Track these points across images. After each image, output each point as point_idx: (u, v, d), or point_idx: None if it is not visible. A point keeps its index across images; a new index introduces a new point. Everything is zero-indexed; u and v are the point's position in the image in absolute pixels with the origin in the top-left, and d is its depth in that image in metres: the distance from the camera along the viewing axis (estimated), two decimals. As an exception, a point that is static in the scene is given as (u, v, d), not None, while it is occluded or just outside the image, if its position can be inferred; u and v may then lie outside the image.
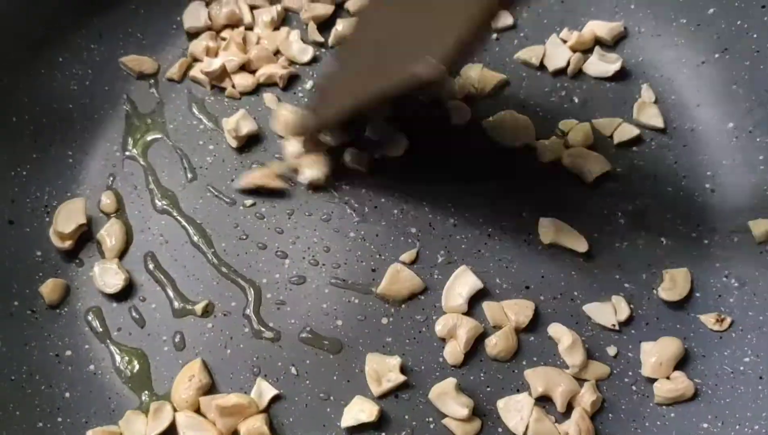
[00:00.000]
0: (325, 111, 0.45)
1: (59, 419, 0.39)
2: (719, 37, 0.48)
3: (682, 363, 0.41)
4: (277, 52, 0.52)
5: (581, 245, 0.44)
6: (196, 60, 0.51)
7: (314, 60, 0.51)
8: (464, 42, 0.35)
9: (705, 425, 0.39)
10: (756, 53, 0.46)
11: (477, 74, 0.50)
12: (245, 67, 0.51)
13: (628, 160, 0.48)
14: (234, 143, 0.48)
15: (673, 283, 0.43)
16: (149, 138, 0.49)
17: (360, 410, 0.40)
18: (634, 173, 0.47)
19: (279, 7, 0.53)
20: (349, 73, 0.44)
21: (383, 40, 0.41)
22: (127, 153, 0.48)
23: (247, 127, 0.48)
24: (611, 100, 0.50)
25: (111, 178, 0.47)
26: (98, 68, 0.50)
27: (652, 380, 0.41)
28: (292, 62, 0.51)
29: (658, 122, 0.48)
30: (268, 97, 0.50)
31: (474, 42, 0.36)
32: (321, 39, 0.52)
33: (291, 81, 0.51)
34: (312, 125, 0.47)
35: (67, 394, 0.41)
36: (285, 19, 0.53)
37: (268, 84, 0.51)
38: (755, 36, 0.46)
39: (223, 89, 0.50)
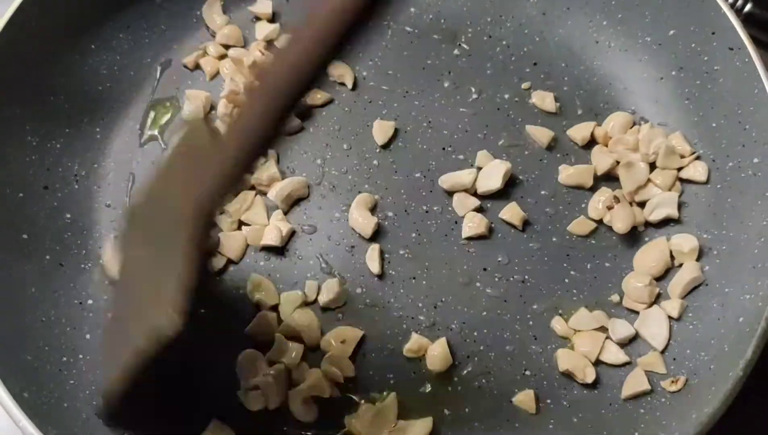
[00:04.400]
0: None
1: (80, 356, 0.46)
2: (676, 57, 0.54)
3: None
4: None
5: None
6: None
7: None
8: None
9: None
10: (705, 74, 0.52)
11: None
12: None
13: (586, 161, 0.54)
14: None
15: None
16: (167, 119, 0.56)
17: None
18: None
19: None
20: None
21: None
22: (147, 132, 0.55)
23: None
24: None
25: (131, 154, 0.54)
26: (125, 55, 0.56)
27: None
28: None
29: None
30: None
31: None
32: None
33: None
34: None
35: (88, 336, 0.47)
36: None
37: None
38: (706, 58, 0.52)
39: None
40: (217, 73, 0.57)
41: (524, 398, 0.46)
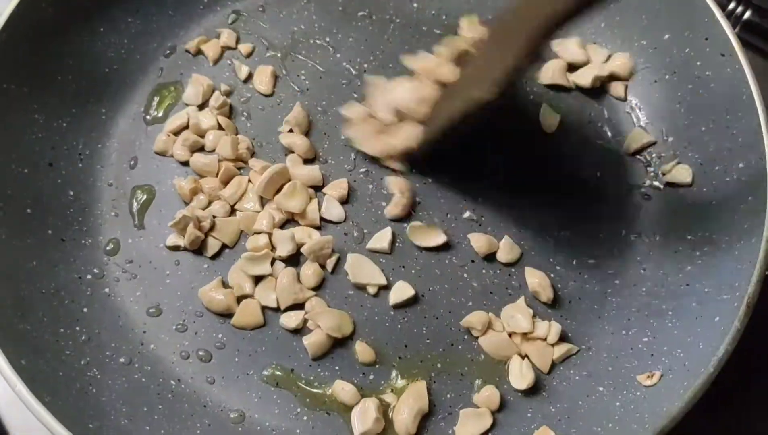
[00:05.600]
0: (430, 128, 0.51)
1: (77, 329, 0.48)
2: (670, 61, 0.55)
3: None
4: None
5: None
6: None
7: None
8: (515, 68, 0.42)
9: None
10: (697, 78, 0.53)
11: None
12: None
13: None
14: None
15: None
16: (171, 102, 0.57)
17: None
18: (580, 172, 0.55)
19: None
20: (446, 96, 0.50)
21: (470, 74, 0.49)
22: (151, 114, 0.57)
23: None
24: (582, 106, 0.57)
25: (135, 135, 0.56)
26: (133, 39, 0.57)
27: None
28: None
29: None
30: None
31: (523, 68, 0.43)
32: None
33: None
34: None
35: (85, 310, 0.49)
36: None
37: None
38: (698, 63, 0.53)
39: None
40: (220, 57, 0.58)
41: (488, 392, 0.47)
